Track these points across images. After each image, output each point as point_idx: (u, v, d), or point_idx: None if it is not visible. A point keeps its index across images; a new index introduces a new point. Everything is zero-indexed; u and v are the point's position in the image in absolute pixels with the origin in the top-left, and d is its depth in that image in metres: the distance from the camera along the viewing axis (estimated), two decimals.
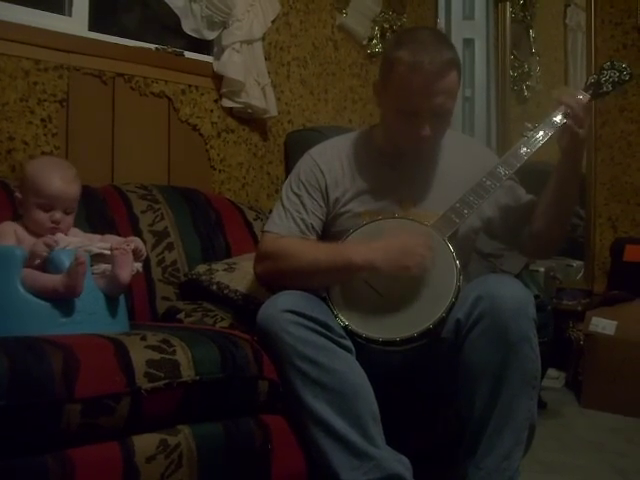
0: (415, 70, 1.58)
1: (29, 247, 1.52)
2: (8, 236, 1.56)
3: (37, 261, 1.49)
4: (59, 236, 1.56)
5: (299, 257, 1.63)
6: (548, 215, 1.72)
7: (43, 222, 1.57)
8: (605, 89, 1.75)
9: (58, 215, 1.58)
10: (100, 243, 1.61)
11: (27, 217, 1.59)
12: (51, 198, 1.57)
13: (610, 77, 1.74)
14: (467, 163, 1.76)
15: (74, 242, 1.57)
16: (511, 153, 1.70)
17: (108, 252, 1.59)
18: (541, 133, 1.69)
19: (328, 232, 1.75)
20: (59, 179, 1.59)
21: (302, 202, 1.73)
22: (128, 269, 1.58)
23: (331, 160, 1.77)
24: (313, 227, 1.72)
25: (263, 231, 1.77)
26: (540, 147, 1.69)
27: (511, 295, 1.50)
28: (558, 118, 1.67)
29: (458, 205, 1.64)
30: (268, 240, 1.72)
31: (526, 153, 1.69)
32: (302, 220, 1.71)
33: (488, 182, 1.66)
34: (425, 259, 1.55)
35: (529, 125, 1.71)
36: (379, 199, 1.72)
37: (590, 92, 1.73)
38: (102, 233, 1.78)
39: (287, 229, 1.70)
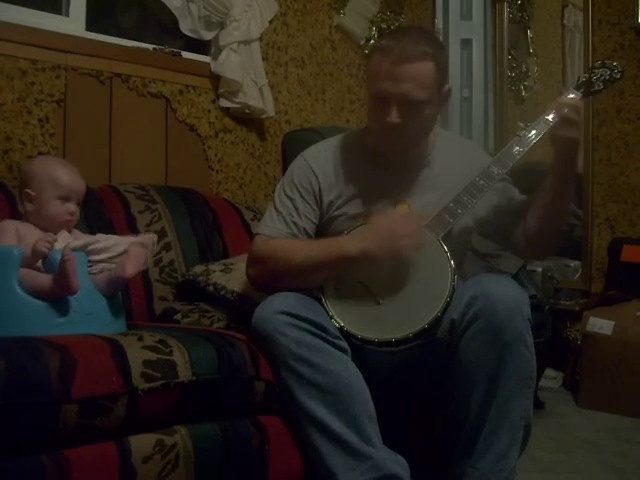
0: (384, 53, 1.60)
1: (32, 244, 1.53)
2: (8, 234, 1.56)
3: (39, 259, 1.49)
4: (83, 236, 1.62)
5: (291, 256, 1.63)
6: (543, 216, 1.72)
7: (61, 214, 1.62)
8: (596, 87, 1.75)
9: (73, 207, 1.64)
10: (117, 243, 1.64)
11: (42, 212, 1.61)
12: (68, 188, 1.63)
13: (601, 75, 1.75)
14: (461, 164, 1.76)
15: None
16: (504, 152, 1.71)
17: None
18: (534, 132, 1.69)
19: (322, 235, 1.74)
20: (71, 171, 1.66)
21: (295, 206, 1.73)
22: (137, 267, 1.59)
23: (325, 163, 1.77)
24: (305, 230, 1.72)
25: (255, 233, 1.77)
26: (533, 146, 1.69)
27: (506, 295, 1.50)
28: (550, 117, 1.67)
29: (452, 205, 1.65)
30: (259, 242, 1.72)
31: (519, 152, 1.69)
32: (294, 223, 1.71)
33: (481, 182, 1.66)
34: (415, 237, 1.56)
35: (521, 124, 1.71)
36: (373, 201, 1.72)
37: (581, 91, 1.73)
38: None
39: (279, 232, 1.70)
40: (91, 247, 1.58)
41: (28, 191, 1.62)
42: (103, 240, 1.61)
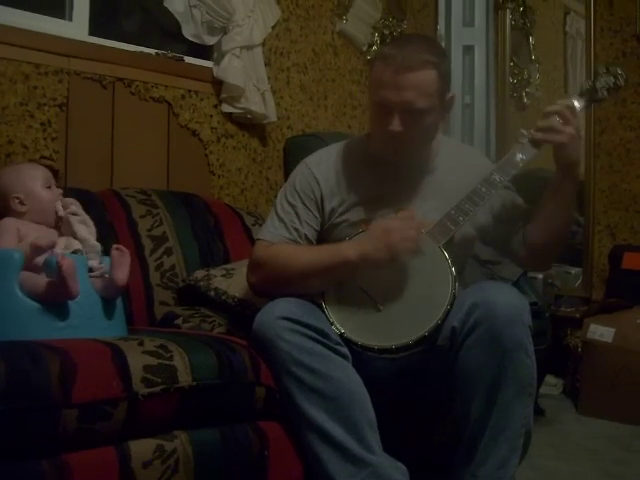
0: (387, 61, 1.60)
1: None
2: (9, 232, 1.56)
3: (38, 255, 1.49)
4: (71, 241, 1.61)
5: (292, 261, 1.63)
6: (544, 225, 1.71)
7: (54, 197, 1.68)
8: (600, 95, 1.73)
9: (57, 190, 1.72)
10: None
11: (39, 204, 1.65)
12: (45, 175, 1.71)
13: (605, 83, 1.73)
14: (464, 171, 1.75)
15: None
16: (506, 160, 1.69)
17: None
18: None
19: (324, 242, 1.74)
20: (31, 163, 1.80)
21: (296, 212, 1.72)
22: (125, 270, 1.59)
23: (327, 170, 1.76)
24: (306, 237, 1.72)
25: (256, 239, 1.77)
26: (535, 154, 1.68)
27: (506, 302, 1.49)
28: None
29: (453, 212, 1.64)
30: (260, 248, 1.71)
31: (521, 160, 1.67)
32: (295, 230, 1.71)
33: (483, 189, 1.65)
34: (410, 232, 1.56)
35: (524, 131, 1.69)
36: (375, 208, 1.72)
37: (585, 98, 1.72)
38: (101, 238, 1.77)
39: (280, 238, 1.70)
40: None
41: (16, 195, 1.64)
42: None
